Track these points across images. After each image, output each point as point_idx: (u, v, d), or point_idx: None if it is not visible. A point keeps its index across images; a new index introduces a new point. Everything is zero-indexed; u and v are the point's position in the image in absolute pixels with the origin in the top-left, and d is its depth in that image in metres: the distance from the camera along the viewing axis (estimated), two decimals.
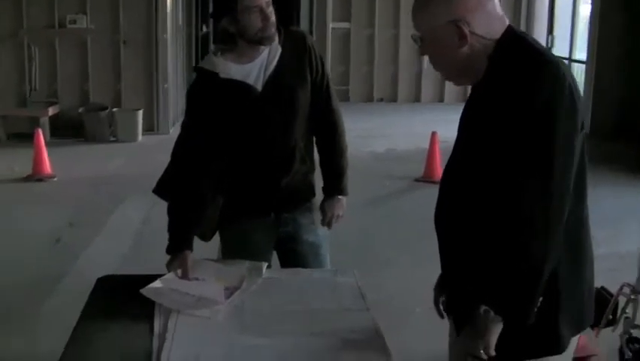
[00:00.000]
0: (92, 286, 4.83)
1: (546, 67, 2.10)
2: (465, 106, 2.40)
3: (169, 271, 3.04)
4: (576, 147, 2.10)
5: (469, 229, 2.25)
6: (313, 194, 3.43)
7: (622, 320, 3.80)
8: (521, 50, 2.17)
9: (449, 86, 14.91)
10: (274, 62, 3.15)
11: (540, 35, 14.27)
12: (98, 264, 5.74)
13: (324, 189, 3.47)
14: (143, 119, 10.58)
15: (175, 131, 11.01)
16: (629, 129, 10.50)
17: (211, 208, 3.26)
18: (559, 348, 2.23)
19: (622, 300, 3.85)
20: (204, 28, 19.04)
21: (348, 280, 3.09)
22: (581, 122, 2.12)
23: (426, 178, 8.65)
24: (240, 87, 3.13)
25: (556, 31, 13.70)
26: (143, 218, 7.04)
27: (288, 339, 2.55)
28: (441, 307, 2.50)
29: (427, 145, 9.04)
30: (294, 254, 3.38)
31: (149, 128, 10.77)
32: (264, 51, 3.16)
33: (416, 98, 14.92)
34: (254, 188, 3.27)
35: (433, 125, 10.75)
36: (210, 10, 3.25)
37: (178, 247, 3.10)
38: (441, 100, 14.99)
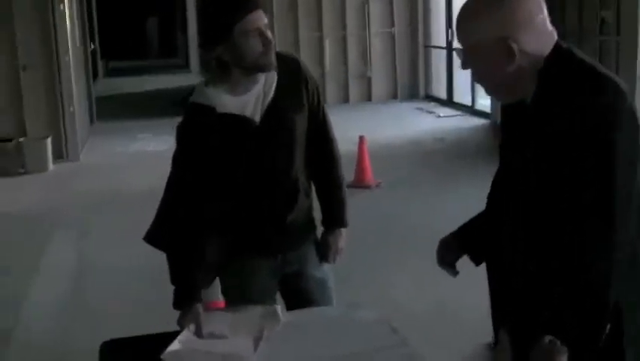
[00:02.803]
0: (43, 342, 4.45)
1: (607, 87, 1.99)
2: (507, 124, 2.28)
3: (182, 329, 2.76)
4: (638, 173, 2.01)
5: (530, 257, 2.14)
6: (315, 227, 3.23)
7: None
8: (576, 67, 2.06)
9: (353, 86, 14.92)
10: (271, 92, 2.92)
11: (439, 29, 14.38)
12: (44, 316, 5.35)
13: (324, 222, 3.27)
14: (51, 146, 10.04)
15: (86, 157, 10.67)
16: None
17: (210, 253, 2.99)
18: None
19: None
20: (91, 45, 18.54)
21: (370, 315, 2.89)
22: None
23: (357, 184, 8.48)
24: (238, 121, 2.88)
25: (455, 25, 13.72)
26: (76, 256, 6.63)
27: None
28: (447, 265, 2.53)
29: (347, 148, 8.89)
30: (301, 292, 3.15)
31: (58, 156, 10.21)
32: (260, 79, 2.91)
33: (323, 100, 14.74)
34: (258, 227, 3.02)
35: (344, 126, 10.66)
36: (197, 38, 2.95)
37: (188, 300, 2.83)
38: (346, 101, 14.92)
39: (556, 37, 2.11)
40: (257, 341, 2.65)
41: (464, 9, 2.15)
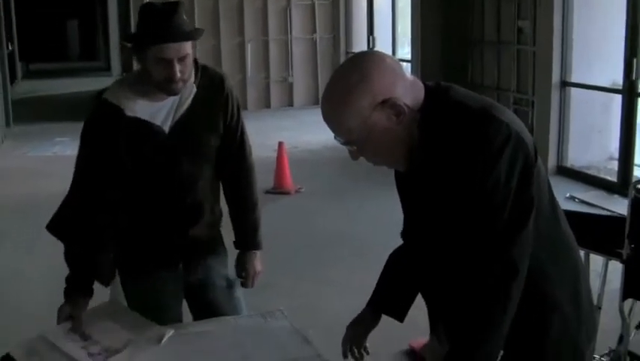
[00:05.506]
0: None
1: (489, 124, 1.99)
2: (401, 176, 2.26)
3: (58, 318, 2.77)
4: (534, 197, 2.03)
5: (449, 289, 2.16)
6: (222, 242, 3.19)
7: None
8: (453, 109, 2.04)
9: (274, 91, 14.92)
10: (186, 104, 2.86)
11: (361, 36, 14.49)
12: None
13: (238, 244, 3.22)
14: None
15: (0, 160, 10.40)
16: None
17: (110, 249, 2.97)
18: None
19: None
20: (9, 47, 18.12)
21: (284, 324, 2.88)
22: (533, 157, 2.04)
23: (277, 189, 8.50)
24: (146, 127, 2.83)
25: (376, 32, 13.88)
26: None
27: None
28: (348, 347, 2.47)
29: (268, 154, 8.95)
30: (207, 302, 3.12)
31: None
32: None
33: (244, 106, 14.67)
34: (159, 238, 2.98)
35: (264, 132, 10.70)
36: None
37: (76, 290, 2.84)
38: (267, 106, 14.93)
39: (420, 83, 2.09)
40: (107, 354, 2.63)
41: (329, 99, 2.08)
